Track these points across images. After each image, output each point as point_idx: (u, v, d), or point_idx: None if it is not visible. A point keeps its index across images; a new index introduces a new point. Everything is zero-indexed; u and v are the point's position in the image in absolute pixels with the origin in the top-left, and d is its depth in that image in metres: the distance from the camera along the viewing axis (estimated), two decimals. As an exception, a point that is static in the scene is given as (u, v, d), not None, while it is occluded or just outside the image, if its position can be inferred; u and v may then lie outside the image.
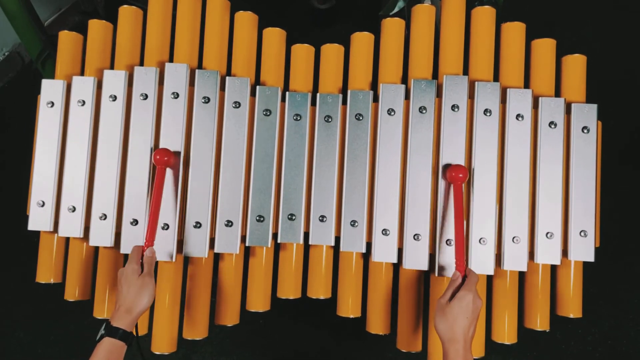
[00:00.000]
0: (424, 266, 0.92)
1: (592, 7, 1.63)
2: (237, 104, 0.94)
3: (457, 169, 0.88)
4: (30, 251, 1.02)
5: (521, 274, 0.96)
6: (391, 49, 0.97)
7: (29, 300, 1.38)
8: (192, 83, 0.95)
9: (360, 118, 0.94)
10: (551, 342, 1.34)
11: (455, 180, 0.88)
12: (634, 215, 1.43)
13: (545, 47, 0.97)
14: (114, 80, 0.95)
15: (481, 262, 0.91)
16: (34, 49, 1.31)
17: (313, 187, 0.94)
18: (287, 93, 0.96)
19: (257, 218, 0.93)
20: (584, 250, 0.92)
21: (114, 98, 0.94)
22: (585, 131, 0.94)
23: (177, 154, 0.93)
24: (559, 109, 0.93)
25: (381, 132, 0.94)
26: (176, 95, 0.94)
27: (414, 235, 0.91)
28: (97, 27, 1.00)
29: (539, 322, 0.94)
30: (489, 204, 0.91)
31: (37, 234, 0.98)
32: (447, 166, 0.91)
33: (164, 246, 0.92)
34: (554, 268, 0.96)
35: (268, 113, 0.94)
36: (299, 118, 0.95)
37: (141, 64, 0.99)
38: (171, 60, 0.99)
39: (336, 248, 0.95)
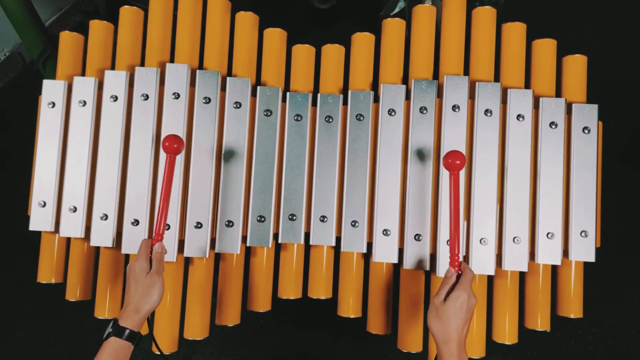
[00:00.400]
0: (425, 266, 0.92)
1: (593, 8, 1.63)
2: (237, 105, 0.94)
3: (453, 155, 0.82)
4: (31, 251, 1.02)
5: (522, 274, 0.96)
6: (392, 50, 0.97)
7: (29, 300, 1.38)
8: (192, 83, 0.95)
9: (361, 118, 0.94)
10: (552, 342, 1.34)
11: (452, 167, 0.82)
12: (634, 215, 1.43)
13: (545, 48, 0.97)
14: (114, 81, 0.95)
15: (482, 262, 0.91)
16: (34, 49, 1.31)
17: (314, 188, 0.94)
18: (287, 93, 0.96)
19: (258, 218, 0.93)
20: (584, 250, 0.92)
21: (115, 98, 0.94)
22: (586, 131, 0.94)
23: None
24: (560, 109, 0.93)
25: (382, 132, 0.94)
26: (177, 96, 0.94)
27: (415, 236, 0.91)
28: (98, 28, 1.00)
29: (540, 322, 0.95)
30: (489, 204, 0.92)
31: (38, 234, 0.98)
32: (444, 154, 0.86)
33: (165, 247, 0.92)
34: (554, 268, 0.96)
35: (269, 113, 0.94)
36: (299, 118, 0.95)
37: (142, 64, 0.99)
38: (172, 60, 0.99)
39: (337, 248, 0.95)
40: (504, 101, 0.94)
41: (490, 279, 0.96)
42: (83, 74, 1.01)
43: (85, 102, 0.95)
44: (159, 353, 0.88)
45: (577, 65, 0.97)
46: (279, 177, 0.94)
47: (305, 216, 0.94)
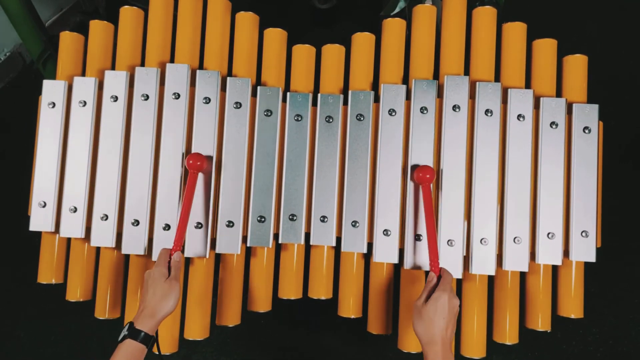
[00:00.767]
0: (425, 267, 0.91)
1: (594, 7, 1.63)
2: (238, 105, 0.94)
3: (424, 170, 0.89)
4: (32, 252, 1.02)
5: (522, 275, 0.96)
6: (392, 50, 0.97)
7: (30, 300, 1.38)
8: (193, 83, 0.95)
9: (361, 118, 0.94)
10: (552, 342, 1.34)
11: (423, 181, 0.88)
12: (635, 215, 1.43)
13: (546, 47, 0.97)
14: (115, 81, 0.95)
15: (482, 262, 0.91)
16: (35, 50, 1.31)
17: (314, 188, 0.94)
18: (288, 93, 0.96)
19: (258, 218, 0.93)
20: (585, 250, 0.92)
21: (115, 98, 0.94)
22: (587, 131, 0.94)
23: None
24: (560, 109, 0.93)
25: (382, 132, 0.94)
26: (177, 96, 0.94)
27: (416, 236, 0.91)
28: (98, 28, 1.00)
29: (540, 322, 0.94)
30: (490, 205, 0.91)
31: (38, 234, 0.98)
32: (414, 167, 0.92)
33: (166, 247, 0.92)
34: (555, 268, 0.96)
35: (269, 113, 0.94)
36: (299, 118, 0.95)
37: (142, 64, 0.99)
38: (172, 60, 0.99)
39: (337, 248, 0.95)
40: (504, 101, 0.94)
41: (490, 279, 0.96)
42: (83, 74, 1.01)
43: (85, 102, 0.95)
44: (157, 353, 0.89)
45: (577, 65, 0.97)
46: (279, 177, 0.94)
47: (306, 216, 0.94)
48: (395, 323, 0.97)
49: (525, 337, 0.98)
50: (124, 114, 0.94)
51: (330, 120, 0.95)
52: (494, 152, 0.92)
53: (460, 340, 0.96)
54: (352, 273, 0.96)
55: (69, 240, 0.99)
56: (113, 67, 1.00)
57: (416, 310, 0.81)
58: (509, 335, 0.95)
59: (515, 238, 0.91)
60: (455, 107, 0.93)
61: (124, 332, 0.78)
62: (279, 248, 0.97)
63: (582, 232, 0.92)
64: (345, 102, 0.96)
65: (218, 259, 0.97)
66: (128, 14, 1.00)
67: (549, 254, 0.91)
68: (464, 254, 0.92)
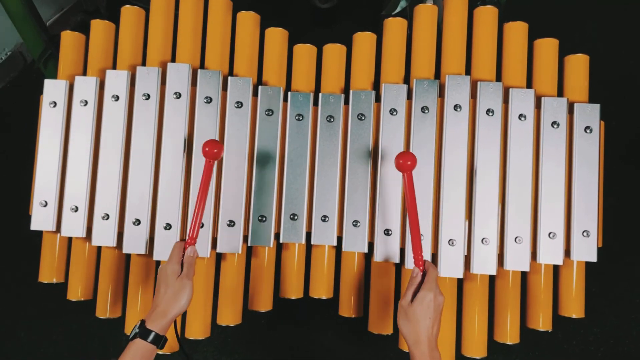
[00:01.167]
0: (426, 266, 0.91)
1: (595, 7, 1.63)
2: (239, 104, 0.94)
3: (405, 156, 0.82)
4: (33, 251, 1.02)
5: (523, 274, 0.96)
6: (393, 49, 0.97)
7: (31, 300, 1.38)
8: (194, 83, 0.95)
9: (363, 118, 0.94)
10: (553, 342, 1.34)
11: (404, 168, 0.83)
12: (636, 214, 1.42)
13: (547, 47, 0.97)
14: (116, 80, 0.95)
15: (483, 262, 0.91)
16: (36, 49, 1.31)
17: (315, 187, 0.93)
18: (289, 93, 0.96)
19: (259, 218, 0.93)
20: (586, 250, 0.92)
21: (117, 98, 0.94)
22: (588, 131, 0.93)
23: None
24: (562, 109, 0.93)
25: (383, 132, 0.93)
26: (178, 95, 0.94)
27: (416, 235, 0.91)
28: (99, 27, 1.00)
29: (541, 322, 0.94)
30: (491, 204, 0.91)
31: (39, 233, 0.98)
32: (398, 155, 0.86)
33: (167, 246, 0.92)
34: (556, 268, 0.96)
35: (270, 113, 0.94)
36: (301, 118, 0.95)
37: (143, 63, 0.99)
38: (173, 60, 0.99)
39: (338, 248, 0.95)
40: (505, 101, 0.94)
41: (491, 278, 0.96)
42: (84, 73, 1.01)
43: (86, 102, 0.95)
44: (162, 352, 0.89)
45: (579, 64, 0.97)
46: (280, 177, 0.94)
47: (307, 216, 0.94)
48: (396, 323, 0.97)
49: (526, 337, 0.98)
50: (125, 113, 0.94)
51: (332, 120, 0.94)
52: (495, 151, 0.92)
53: (461, 340, 0.96)
54: (353, 273, 0.96)
55: (70, 239, 0.99)
56: (114, 67, 1.00)
57: (402, 310, 0.79)
58: (510, 335, 0.94)
59: (516, 238, 0.91)
60: (456, 107, 0.93)
61: (135, 329, 0.77)
62: (280, 247, 0.97)
63: (583, 232, 0.92)
64: (347, 102, 0.96)
65: (219, 258, 0.97)
66: (129, 14, 1.00)
67: (550, 253, 0.91)
68: (465, 254, 0.92)
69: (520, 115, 0.93)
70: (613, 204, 1.12)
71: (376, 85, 0.98)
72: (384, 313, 0.95)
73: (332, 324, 1.34)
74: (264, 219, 0.93)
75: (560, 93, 0.98)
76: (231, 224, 0.92)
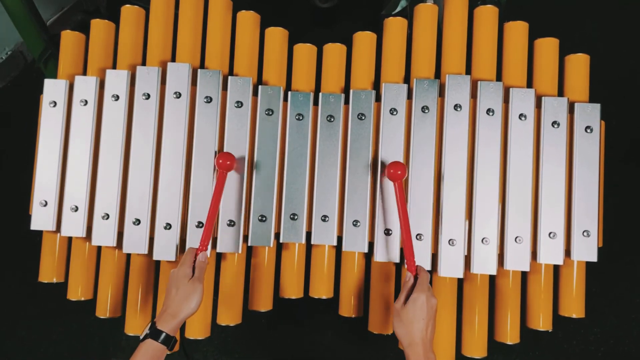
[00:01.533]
0: (427, 266, 0.91)
1: (596, 6, 1.63)
2: (239, 104, 0.94)
3: (395, 166, 0.86)
4: (33, 251, 1.02)
5: (524, 274, 0.96)
6: (393, 49, 0.97)
7: (31, 299, 1.38)
8: (194, 82, 0.95)
9: (363, 118, 0.94)
10: (553, 341, 1.34)
11: (395, 178, 0.86)
12: (636, 214, 1.42)
13: (548, 47, 0.97)
14: (116, 80, 0.95)
15: (484, 261, 0.91)
16: (36, 49, 1.31)
17: (315, 187, 0.93)
18: (289, 93, 0.96)
19: (260, 218, 0.93)
20: (586, 250, 0.92)
21: (117, 98, 0.94)
22: (589, 131, 0.93)
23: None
24: (562, 109, 0.93)
25: (383, 131, 0.93)
26: (178, 95, 0.94)
27: (417, 236, 0.91)
28: (99, 27, 1.00)
29: (542, 322, 0.94)
30: (491, 204, 0.91)
31: (39, 233, 0.98)
32: (384, 165, 0.91)
33: (166, 246, 0.92)
34: (556, 268, 0.96)
35: (270, 113, 0.94)
36: (301, 118, 0.95)
37: (143, 63, 0.99)
38: (173, 59, 0.99)
39: (338, 248, 0.95)
40: (506, 100, 0.94)
41: (492, 278, 0.96)
42: (84, 73, 1.01)
43: (86, 101, 0.95)
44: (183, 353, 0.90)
45: (579, 64, 0.97)
46: (280, 177, 0.94)
47: (307, 216, 0.94)
48: (396, 322, 0.97)
49: (527, 337, 0.98)
50: (125, 113, 0.94)
51: (332, 120, 0.94)
52: (495, 151, 0.92)
53: (461, 340, 0.96)
54: (353, 272, 0.96)
55: (70, 239, 0.99)
56: (114, 66, 1.00)
57: (395, 312, 0.81)
58: (510, 334, 0.94)
59: (516, 237, 0.91)
60: (456, 107, 0.93)
61: (146, 330, 0.78)
62: (280, 247, 0.97)
63: (583, 232, 0.92)
64: (347, 102, 0.96)
65: (219, 258, 0.97)
66: (129, 13, 1.00)
67: (551, 253, 0.91)
68: (465, 254, 0.92)
69: (521, 115, 0.93)
70: (613, 203, 1.12)
71: (376, 85, 0.98)
72: (384, 313, 0.95)
73: (332, 323, 1.34)
74: (264, 218, 0.93)
75: (560, 93, 0.98)
76: (231, 223, 0.92)
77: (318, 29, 1.64)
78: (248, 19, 0.99)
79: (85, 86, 0.95)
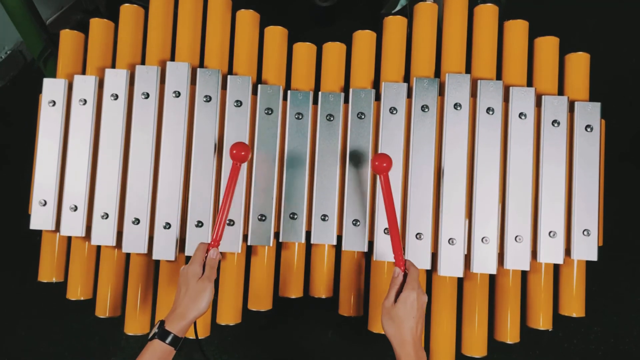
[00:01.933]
0: (427, 265, 0.91)
1: (595, 5, 1.62)
2: (238, 103, 0.94)
3: (380, 158, 0.84)
4: (32, 250, 1.02)
5: (524, 273, 0.96)
6: (393, 47, 0.97)
7: (30, 299, 1.38)
8: (193, 82, 0.95)
9: (362, 116, 0.94)
10: (554, 341, 1.33)
11: (380, 170, 0.84)
12: (636, 213, 1.42)
13: (548, 45, 0.97)
14: (115, 79, 0.95)
15: (484, 261, 0.91)
16: (35, 48, 1.31)
17: (315, 186, 0.93)
18: (288, 92, 0.96)
19: (259, 217, 0.93)
20: (587, 249, 0.92)
21: (116, 97, 0.94)
22: (589, 130, 0.93)
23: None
24: (562, 108, 0.93)
25: (383, 130, 0.93)
26: (178, 94, 0.94)
27: (416, 235, 0.91)
28: (98, 26, 1.00)
29: (542, 321, 0.94)
30: (491, 203, 0.91)
31: (39, 233, 0.98)
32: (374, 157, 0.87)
33: (166, 245, 0.92)
34: (556, 267, 0.95)
35: (270, 112, 0.94)
36: (300, 117, 0.95)
37: (143, 62, 0.99)
38: (173, 59, 0.99)
39: (338, 247, 0.95)
40: (506, 99, 0.94)
41: (492, 277, 0.96)
42: (84, 72, 1.01)
43: (85, 101, 0.95)
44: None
45: (579, 63, 0.97)
46: (279, 176, 0.94)
47: (306, 215, 0.94)
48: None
49: (527, 336, 0.97)
50: (125, 112, 0.94)
51: (331, 119, 0.94)
52: (495, 150, 0.92)
53: (462, 339, 0.96)
54: (352, 272, 0.95)
55: (69, 238, 0.98)
56: (113, 66, 1.00)
57: (385, 311, 0.78)
58: (510, 334, 0.94)
59: (516, 237, 0.91)
60: (456, 105, 0.93)
61: (155, 329, 0.77)
62: (279, 247, 0.97)
63: (583, 231, 0.92)
64: (346, 101, 0.96)
65: (219, 257, 0.96)
66: (128, 12, 0.99)
67: (551, 252, 0.91)
68: (465, 253, 0.92)
69: (521, 114, 0.92)
70: (614, 202, 1.12)
71: (376, 84, 0.97)
72: (384, 312, 0.95)
73: (332, 323, 1.34)
74: (264, 218, 0.93)
75: (560, 91, 0.97)
76: (231, 223, 0.92)
77: (318, 28, 1.64)
78: (247, 18, 0.99)
79: (85, 85, 0.95)
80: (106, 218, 0.92)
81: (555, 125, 0.93)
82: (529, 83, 0.97)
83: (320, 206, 0.93)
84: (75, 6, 1.68)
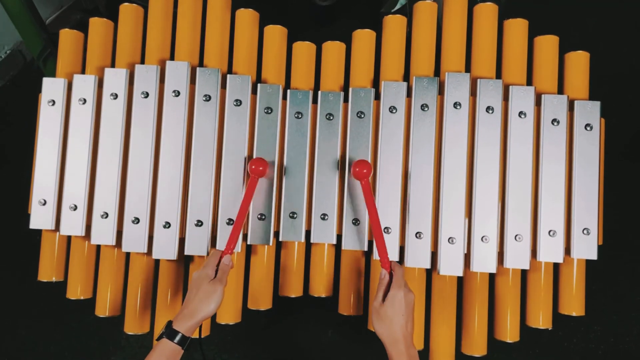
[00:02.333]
0: (426, 264, 0.91)
1: (595, 4, 1.62)
2: (238, 102, 0.94)
3: (360, 165, 0.87)
4: (32, 250, 1.02)
5: (523, 272, 0.96)
6: (393, 46, 0.97)
7: (30, 298, 1.38)
8: (193, 81, 0.95)
9: (362, 116, 0.94)
10: (553, 340, 1.33)
11: (361, 176, 0.87)
12: (636, 212, 1.42)
13: (547, 44, 0.97)
14: (114, 79, 0.95)
15: (483, 260, 0.91)
16: (35, 48, 1.31)
17: (314, 186, 0.93)
18: (288, 91, 0.96)
19: (259, 216, 0.93)
20: (586, 248, 0.91)
21: (115, 96, 0.94)
22: (588, 128, 0.93)
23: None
24: (562, 106, 0.93)
25: (383, 130, 0.93)
26: (177, 94, 0.94)
27: (416, 234, 0.91)
28: (98, 25, 1.00)
29: (542, 320, 0.94)
30: (491, 202, 0.91)
31: (38, 232, 0.98)
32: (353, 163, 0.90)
33: (166, 244, 0.92)
34: (556, 266, 0.95)
35: (269, 111, 0.94)
36: (300, 116, 0.95)
37: (142, 62, 0.99)
38: (172, 58, 0.99)
39: (337, 246, 0.95)
40: (505, 98, 0.94)
41: (492, 276, 0.96)
42: (83, 71, 1.01)
43: (85, 100, 0.95)
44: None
45: (579, 61, 0.97)
46: (279, 175, 0.94)
47: (306, 214, 0.94)
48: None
49: (527, 335, 0.97)
50: (124, 111, 0.94)
51: (331, 118, 0.94)
52: (495, 149, 0.92)
53: (461, 338, 0.96)
54: (352, 271, 0.95)
55: (69, 238, 0.98)
56: (113, 65, 1.00)
57: (374, 311, 0.80)
58: (510, 333, 0.94)
59: (516, 235, 0.91)
60: (456, 105, 0.93)
61: (163, 329, 0.78)
62: (279, 246, 0.97)
63: (583, 230, 0.92)
64: (346, 100, 0.95)
65: (218, 256, 0.96)
66: (128, 12, 0.99)
67: (550, 251, 0.91)
68: (465, 252, 0.92)
69: (520, 113, 0.92)
70: (613, 201, 1.12)
71: (376, 83, 0.97)
72: (384, 311, 0.95)
73: (331, 322, 1.34)
74: (264, 217, 0.93)
75: (560, 90, 0.97)
76: (230, 222, 0.92)
77: (317, 27, 1.64)
78: (247, 17, 0.99)
79: (84, 85, 0.95)
80: (106, 217, 0.92)
81: (555, 124, 0.93)
82: (529, 82, 0.97)
83: (320, 205, 0.93)
84: (75, 6, 1.68)
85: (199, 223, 0.92)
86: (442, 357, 0.95)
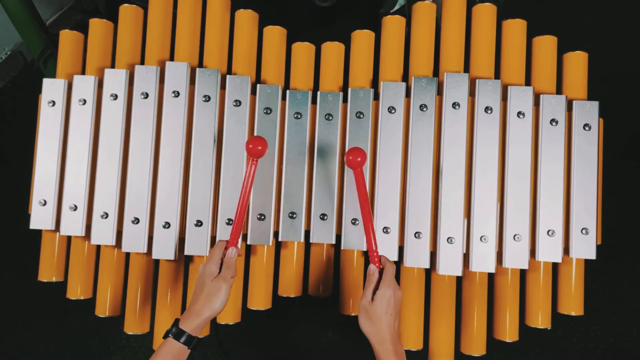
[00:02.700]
0: (425, 264, 0.91)
1: (594, 4, 1.63)
2: (237, 103, 0.94)
3: (354, 153, 0.82)
4: (32, 250, 1.02)
5: (522, 272, 0.96)
6: (392, 47, 0.97)
7: (30, 298, 1.38)
8: (192, 82, 0.95)
9: (361, 116, 0.94)
10: (553, 339, 1.34)
11: (354, 165, 0.83)
12: (635, 212, 1.42)
13: (546, 44, 0.97)
14: (114, 79, 0.95)
15: (482, 259, 0.91)
16: (35, 48, 1.31)
17: (314, 186, 0.93)
18: (287, 91, 0.96)
19: (258, 216, 0.93)
20: (585, 247, 0.92)
21: (115, 97, 0.94)
22: (587, 128, 0.93)
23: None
24: (561, 107, 0.93)
25: (382, 130, 0.93)
26: (177, 94, 0.94)
27: (415, 234, 0.91)
28: (98, 26, 1.00)
29: (541, 319, 0.94)
30: (490, 202, 0.91)
31: (38, 232, 0.98)
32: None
33: (166, 245, 0.92)
34: (555, 266, 0.96)
35: (268, 111, 0.94)
36: (299, 116, 0.95)
37: (142, 62, 0.99)
38: (172, 58, 0.99)
39: (337, 246, 0.95)
40: (504, 98, 0.94)
41: (490, 276, 0.96)
42: (83, 72, 1.01)
43: (85, 101, 0.95)
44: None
45: (578, 62, 0.97)
46: (279, 175, 0.94)
47: (306, 214, 0.94)
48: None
49: (526, 335, 0.98)
50: (124, 112, 0.94)
51: (330, 118, 0.94)
52: (493, 149, 0.92)
53: (461, 338, 0.96)
54: (352, 270, 0.96)
55: (69, 238, 0.99)
56: (113, 66, 1.00)
57: (362, 309, 0.78)
58: (509, 332, 0.94)
59: (515, 235, 0.91)
60: (455, 105, 0.93)
61: (170, 328, 0.77)
62: (278, 246, 0.97)
63: (582, 230, 0.92)
64: (345, 100, 0.96)
65: (218, 256, 0.96)
66: (128, 13, 1.00)
67: (549, 251, 0.91)
68: (464, 252, 0.92)
69: (519, 113, 0.93)
70: (612, 201, 1.12)
71: (375, 83, 0.98)
72: (383, 311, 0.95)
73: (331, 322, 1.35)
74: (263, 217, 0.93)
75: (559, 90, 0.98)
76: (230, 222, 0.92)
77: (317, 28, 1.64)
78: (246, 18, 0.99)
79: (84, 85, 0.95)
80: (106, 217, 0.93)
81: (554, 124, 0.93)
82: (527, 82, 0.97)
83: (319, 205, 0.93)
84: (75, 7, 1.68)
85: (199, 223, 0.92)
86: (441, 356, 0.95)
